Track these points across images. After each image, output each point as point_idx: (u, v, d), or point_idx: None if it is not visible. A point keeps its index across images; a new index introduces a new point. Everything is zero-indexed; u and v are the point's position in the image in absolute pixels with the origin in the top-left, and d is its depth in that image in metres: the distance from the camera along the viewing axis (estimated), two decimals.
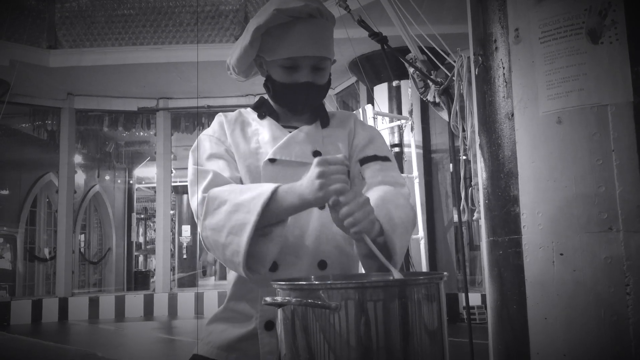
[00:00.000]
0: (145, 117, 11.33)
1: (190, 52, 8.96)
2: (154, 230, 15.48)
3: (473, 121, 1.98)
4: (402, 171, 7.77)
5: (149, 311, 10.90)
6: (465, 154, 2.30)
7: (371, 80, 8.56)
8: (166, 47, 9.36)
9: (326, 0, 4.11)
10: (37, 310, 10.25)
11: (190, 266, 17.16)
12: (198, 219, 1.17)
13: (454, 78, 2.36)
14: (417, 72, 2.70)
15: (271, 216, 1.09)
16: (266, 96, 1.38)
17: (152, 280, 14.44)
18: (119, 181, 16.50)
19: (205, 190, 1.17)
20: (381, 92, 8.53)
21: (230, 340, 1.23)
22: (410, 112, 7.88)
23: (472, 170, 2.21)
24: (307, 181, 1.06)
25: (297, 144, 1.27)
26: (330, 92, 9.38)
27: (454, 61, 2.37)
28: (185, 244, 17.34)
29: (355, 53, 7.12)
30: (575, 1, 1.44)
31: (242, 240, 1.06)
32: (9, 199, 13.30)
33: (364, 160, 1.30)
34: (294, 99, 1.30)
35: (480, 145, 1.68)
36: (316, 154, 1.26)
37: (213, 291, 11.23)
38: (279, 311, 0.91)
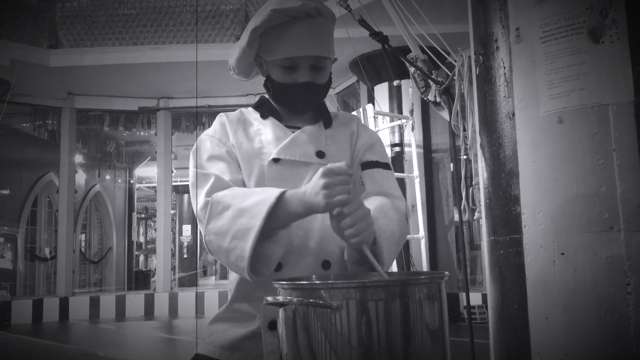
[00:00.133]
0: (146, 116, 11.32)
1: (191, 52, 8.96)
2: (155, 230, 15.48)
3: (474, 121, 1.98)
4: (402, 171, 7.78)
5: (149, 311, 10.90)
6: (466, 154, 2.30)
7: (372, 79, 8.56)
8: (167, 47, 9.35)
9: (327, 0, 4.11)
10: (37, 309, 10.24)
11: (191, 266, 17.17)
12: (201, 223, 1.17)
13: (455, 77, 2.37)
14: (418, 71, 2.70)
15: (275, 221, 1.10)
16: (267, 96, 1.38)
17: (152, 279, 14.45)
18: (119, 181, 16.50)
19: (208, 194, 1.17)
20: (382, 91, 8.52)
21: (233, 339, 1.23)
22: (411, 112, 7.88)
23: (472, 169, 2.21)
24: (311, 190, 1.07)
25: (301, 144, 1.26)
26: (331, 92, 9.34)
27: (455, 61, 2.37)
28: (185, 244, 17.36)
29: (356, 52, 7.10)
30: (576, 0, 1.44)
31: (247, 245, 1.07)
32: (9, 199, 13.31)
33: (366, 165, 1.31)
34: (294, 99, 1.30)
35: (481, 144, 1.68)
36: (320, 154, 1.26)
37: (214, 291, 11.22)
38: (281, 311, 0.91)
